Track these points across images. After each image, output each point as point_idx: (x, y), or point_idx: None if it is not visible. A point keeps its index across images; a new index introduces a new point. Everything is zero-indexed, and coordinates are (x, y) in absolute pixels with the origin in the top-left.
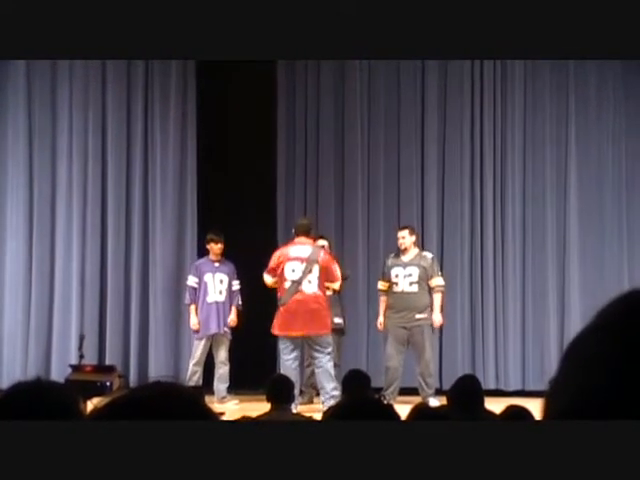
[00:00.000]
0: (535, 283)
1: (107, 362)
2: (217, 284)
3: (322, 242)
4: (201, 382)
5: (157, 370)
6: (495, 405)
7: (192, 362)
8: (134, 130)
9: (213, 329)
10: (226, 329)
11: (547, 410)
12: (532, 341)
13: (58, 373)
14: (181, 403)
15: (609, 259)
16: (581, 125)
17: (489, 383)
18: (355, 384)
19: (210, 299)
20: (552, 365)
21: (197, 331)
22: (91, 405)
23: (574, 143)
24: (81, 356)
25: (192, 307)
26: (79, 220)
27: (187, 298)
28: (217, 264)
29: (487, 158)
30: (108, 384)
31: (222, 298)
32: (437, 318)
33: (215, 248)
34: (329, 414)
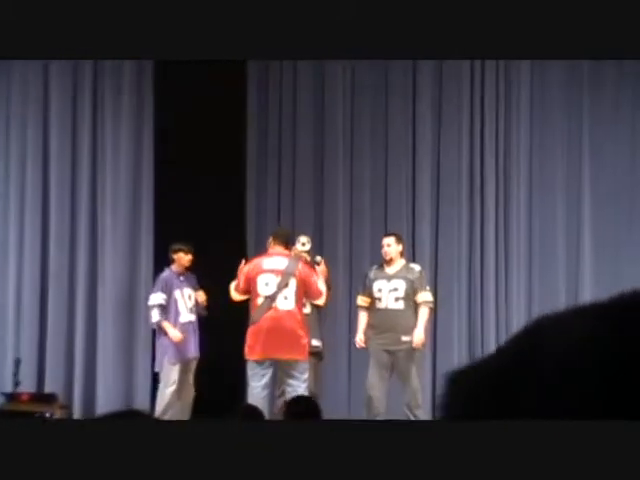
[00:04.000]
0: (543, 300)
1: (47, 390)
2: (187, 300)
3: (303, 239)
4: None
5: (106, 400)
6: None
7: (169, 389)
8: (80, 124)
9: (192, 353)
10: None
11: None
12: None
13: None
14: None
15: (624, 248)
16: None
17: None
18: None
19: (183, 319)
20: None
21: (177, 343)
22: None
23: (587, 138)
24: (17, 383)
25: (164, 323)
26: (16, 227)
27: (156, 316)
28: (182, 277)
29: (488, 145)
30: (48, 415)
31: (194, 317)
32: (419, 336)
33: (185, 259)
34: None
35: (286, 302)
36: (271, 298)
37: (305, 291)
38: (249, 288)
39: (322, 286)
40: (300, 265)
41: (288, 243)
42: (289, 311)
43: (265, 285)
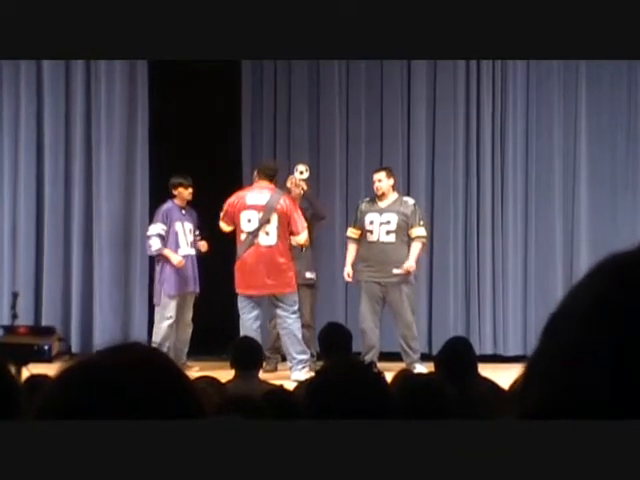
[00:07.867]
0: (539, 233)
1: (45, 323)
2: (187, 234)
3: (301, 168)
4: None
5: (102, 332)
6: (493, 372)
7: (166, 323)
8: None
9: (190, 287)
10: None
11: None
12: (535, 300)
13: None
14: (162, 374)
15: (622, 209)
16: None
17: (486, 347)
18: (333, 341)
19: (182, 252)
20: None
21: (176, 277)
22: (27, 372)
23: (584, 87)
24: (14, 316)
25: (165, 250)
26: (10, 162)
27: (156, 244)
28: (184, 211)
29: (485, 92)
30: (46, 348)
31: (193, 251)
32: (410, 264)
33: (185, 193)
34: (307, 384)
35: (268, 238)
36: (253, 234)
37: (287, 226)
38: (234, 222)
39: (302, 223)
40: (282, 199)
41: (273, 177)
42: (271, 246)
43: (247, 222)
